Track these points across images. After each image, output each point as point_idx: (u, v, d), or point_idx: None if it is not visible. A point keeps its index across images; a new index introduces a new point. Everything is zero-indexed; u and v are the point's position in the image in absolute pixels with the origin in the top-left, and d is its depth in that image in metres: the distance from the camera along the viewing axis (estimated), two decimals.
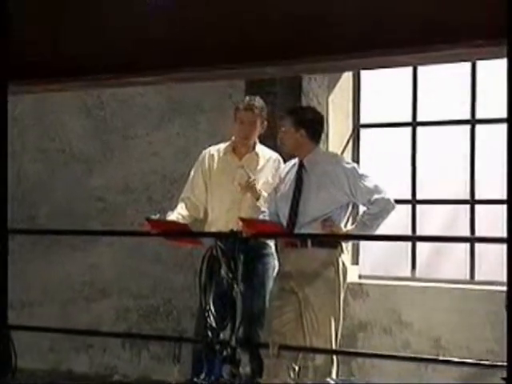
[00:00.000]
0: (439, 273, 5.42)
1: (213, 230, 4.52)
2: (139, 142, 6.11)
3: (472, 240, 5.00)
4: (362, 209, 4.55)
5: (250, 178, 4.48)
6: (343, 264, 4.32)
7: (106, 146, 6.21)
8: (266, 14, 2.92)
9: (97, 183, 6.23)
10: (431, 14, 2.53)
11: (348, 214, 4.39)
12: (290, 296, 4.33)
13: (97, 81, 3.33)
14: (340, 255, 4.31)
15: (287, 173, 4.47)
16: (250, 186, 4.49)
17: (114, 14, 3.17)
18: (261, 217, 4.42)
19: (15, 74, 2.91)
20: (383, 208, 4.27)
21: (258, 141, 4.67)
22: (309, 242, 4.26)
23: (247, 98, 4.62)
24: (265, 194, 4.51)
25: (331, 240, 4.30)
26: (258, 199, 4.51)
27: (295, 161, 4.48)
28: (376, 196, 4.26)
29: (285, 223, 4.33)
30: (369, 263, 5.53)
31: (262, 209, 4.47)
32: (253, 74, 3.79)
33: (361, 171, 4.33)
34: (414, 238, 5.29)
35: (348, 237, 4.39)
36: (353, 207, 4.44)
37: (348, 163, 4.36)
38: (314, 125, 4.39)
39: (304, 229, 4.27)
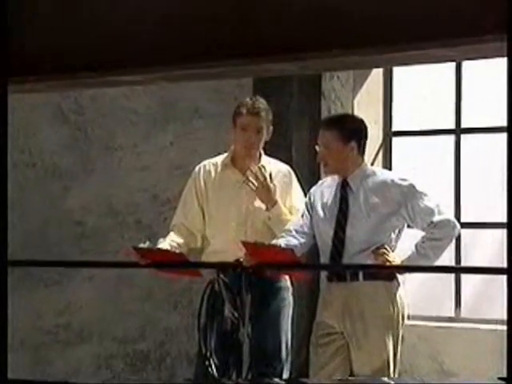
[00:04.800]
0: (489, 312, 5.40)
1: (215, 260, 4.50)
2: (125, 155, 6.13)
3: (468, 271, 4.99)
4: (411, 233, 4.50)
5: (265, 178, 4.41)
6: (401, 299, 4.31)
7: (85, 158, 6.23)
8: (280, 2, 2.95)
9: (74, 204, 6.24)
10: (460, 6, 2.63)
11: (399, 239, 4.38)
12: (337, 341, 4.32)
13: (76, 80, 3.36)
14: (397, 289, 4.30)
15: (321, 194, 4.42)
16: (264, 188, 4.43)
17: (102, 6, 3.22)
18: (283, 236, 4.37)
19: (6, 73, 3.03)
20: (448, 232, 4.24)
21: (263, 151, 4.65)
22: (360, 275, 4.24)
23: (248, 99, 4.59)
24: (280, 207, 4.46)
25: (386, 271, 4.27)
26: (268, 209, 4.46)
27: (330, 181, 4.43)
28: (438, 217, 4.22)
29: (328, 253, 4.32)
30: (404, 300, 5.51)
31: (287, 226, 4.44)
32: (263, 72, 3.80)
33: (419, 188, 4.30)
34: (458, 270, 5.28)
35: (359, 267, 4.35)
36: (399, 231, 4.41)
37: (403, 180, 4.33)
38: (364, 136, 4.37)
39: (353, 260, 4.24)
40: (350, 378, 4.27)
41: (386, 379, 4.13)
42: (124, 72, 3.22)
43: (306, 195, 4.58)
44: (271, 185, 4.42)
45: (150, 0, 3.18)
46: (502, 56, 2.54)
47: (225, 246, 4.49)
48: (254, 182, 4.44)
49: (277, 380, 4.34)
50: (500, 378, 2.58)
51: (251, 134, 4.48)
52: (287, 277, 4.55)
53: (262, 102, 4.53)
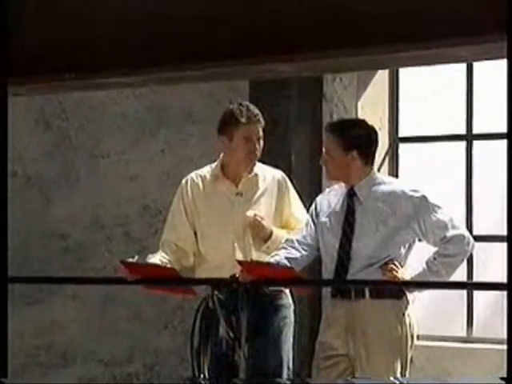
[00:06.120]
0: (503, 332, 5.37)
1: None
2: (112, 163, 6.12)
3: (466, 286, 4.99)
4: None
5: (259, 219, 4.43)
6: (410, 318, 4.30)
7: (69, 167, 6.23)
8: (279, 1, 2.96)
9: (58, 215, 6.23)
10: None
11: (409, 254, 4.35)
12: (341, 364, 4.30)
13: (61, 82, 3.37)
14: (406, 308, 4.29)
15: (328, 203, 4.43)
16: (256, 226, 4.46)
17: (87, 5, 3.24)
18: (284, 247, 4.37)
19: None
20: (462, 248, 4.23)
21: None
22: (366, 292, 4.22)
23: (241, 105, 4.57)
24: (275, 230, 4.48)
25: (394, 288, 4.26)
26: (266, 241, 4.48)
27: (338, 189, 4.43)
28: (452, 232, 4.21)
29: (332, 267, 4.31)
30: (414, 320, 5.51)
31: (289, 236, 4.44)
32: (261, 73, 3.81)
33: (432, 200, 4.28)
34: (469, 285, 5.26)
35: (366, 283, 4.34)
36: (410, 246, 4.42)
37: (415, 191, 4.32)
38: (368, 143, 4.37)
39: (359, 275, 4.23)
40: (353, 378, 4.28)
41: (392, 378, 4.13)
42: (115, 74, 3.24)
43: (303, 203, 4.59)
44: (265, 223, 4.44)
45: (146, 0, 3.20)
46: (503, 57, 2.58)
47: (222, 261, 4.47)
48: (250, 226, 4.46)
49: (279, 380, 4.34)
50: (501, 378, 2.65)
51: (255, 143, 4.49)
52: (288, 293, 4.53)
53: (255, 108, 4.55)
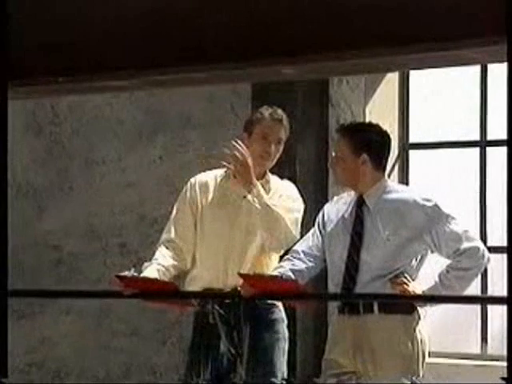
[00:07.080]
0: None
1: (200, 286, 4.45)
2: (108, 170, 6.11)
3: (466, 300, 4.99)
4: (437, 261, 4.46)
5: (244, 155, 4.38)
6: (421, 334, 4.29)
7: (62, 175, 6.22)
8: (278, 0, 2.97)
9: (50, 226, 6.22)
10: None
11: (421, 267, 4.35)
12: (348, 382, 4.29)
13: (59, 84, 3.38)
14: (417, 323, 4.27)
15: (337, 212, 4.43)
16: (243, 167, 4.43)
17: (87, 4, 3.27)
18: (289, 259, 4.35)
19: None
20: (476, 262, 4.22)
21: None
22: (375, 307, 4.22)
23: (270, 106, 4.60)
24: (260, 189, 4.42)
25: (405, 303, 4.26)
26: (249, 192, 4.41)
27: (347, 197, 4.44)
28: (467, 245, 4.21)
29: (340, 279, 4.31)
30: (426, 336, 5.50)
31: (296, 247, 4.42)
32: (265, 76, 3.81)
33: (445, 211, 4.28)
34: (484, 300, 5.25)
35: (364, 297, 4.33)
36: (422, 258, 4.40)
37: (427, 200, 4.31)
38: (379, 149, 4.38)
39: (368, 288, 4.22)
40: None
41: (403, 379, 4.16)
42: (116, 76, 3.23)
43: (305, 210, 4.54)
44: (250, 162, 4.39)
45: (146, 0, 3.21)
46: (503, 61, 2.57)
47: (214, 266, 4.42)
48: (232, 158, 4.39)
49: (276, 381, 4.34)
50: (502, 378, 2.66)
51: (271, 143, 4.48)
52: (282, 307, 4.52)
53: (282, 112, 4.55)
